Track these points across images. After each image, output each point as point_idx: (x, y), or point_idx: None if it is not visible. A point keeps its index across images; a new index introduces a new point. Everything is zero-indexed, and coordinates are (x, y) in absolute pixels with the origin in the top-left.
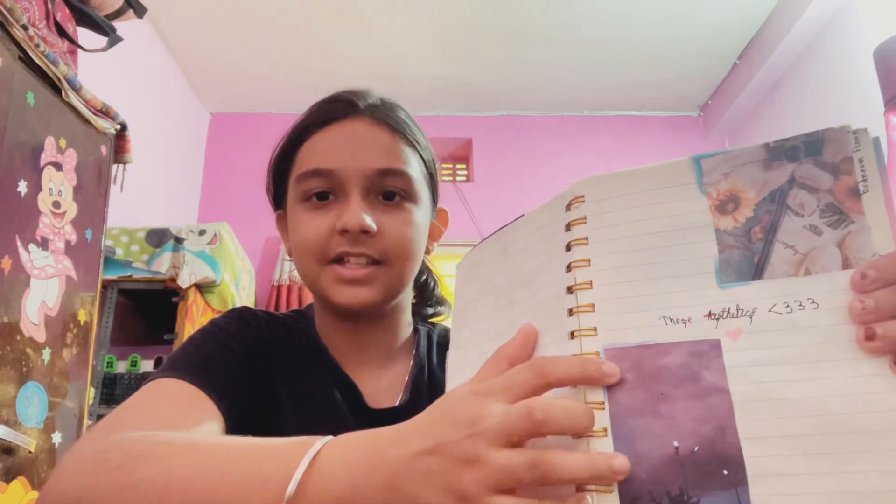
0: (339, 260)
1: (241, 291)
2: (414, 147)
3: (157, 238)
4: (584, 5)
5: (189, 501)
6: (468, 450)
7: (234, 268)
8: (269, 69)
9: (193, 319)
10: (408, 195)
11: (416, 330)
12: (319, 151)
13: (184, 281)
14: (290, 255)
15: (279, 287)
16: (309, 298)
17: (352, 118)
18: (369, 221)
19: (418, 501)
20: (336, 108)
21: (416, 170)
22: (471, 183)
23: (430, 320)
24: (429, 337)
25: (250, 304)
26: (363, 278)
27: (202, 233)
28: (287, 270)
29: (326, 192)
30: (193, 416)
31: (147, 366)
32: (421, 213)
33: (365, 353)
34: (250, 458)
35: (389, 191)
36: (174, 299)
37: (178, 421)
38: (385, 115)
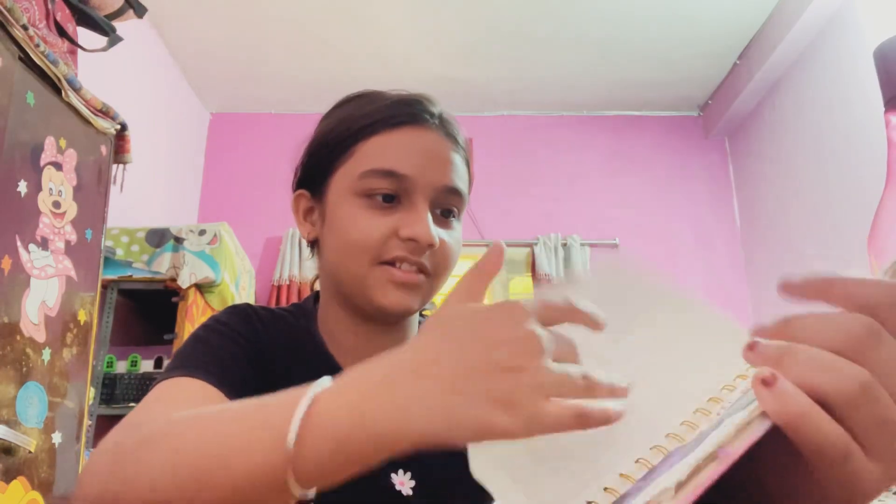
0: (390, 263)
1: (241, 291)
2: (466, 166)
3: (157, 238)
4: (584, 5)
5: (198, 471)
6: (510, 361)
7: (234, 268)
8: (269, 69)
9: (193, 319)
10: (458, 214)
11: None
12: (393, 152)
13: (184, 281)
14: (309, 241)
15: (279, 287)
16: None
17: (426, 127)
18: (437, 237)
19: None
20: (412, 112)
21: (466, 188)
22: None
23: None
24: None
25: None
26: (414, 283)
27: (202, 233)
28: (287, 270)
29: (392, 196)
30: None
31: (147, 366)
32: (460, 230)
33: (373, 355)
34: (254, 415)
35: (449, 209)
36: (174, 299)
37: None
38: (453, 131)
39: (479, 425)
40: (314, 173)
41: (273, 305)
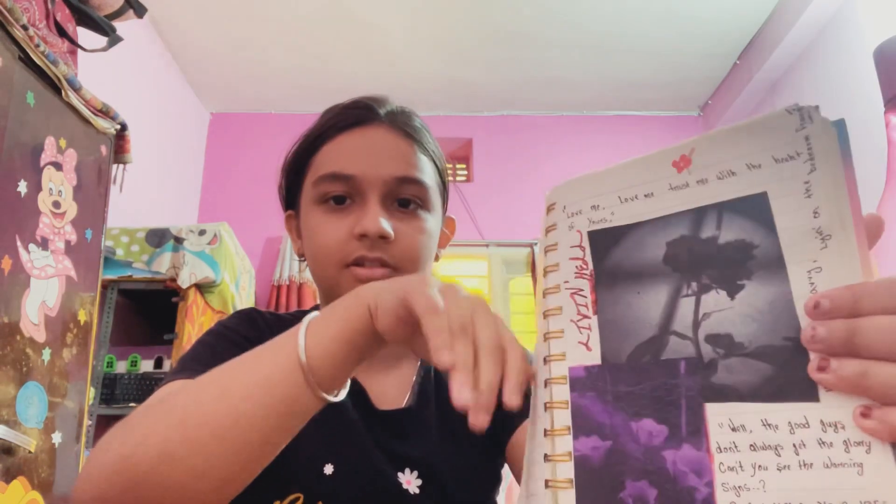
0: (357, 263)
1: (241, 291)
2: (430, 156)
3: (157, 238)
4: (584, 5)
5: (228, 392)
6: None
7: (234, 268)
8: (269, 69)
9: (193, 319)
10: (422, 203)
11: None
12: (339, 156)
13: (184, 281)
14: (300, 256)
15: (279, 287)
16: (308, 298)
17: (372, 125)
18: (387, 227)
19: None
20: (357, 114)
21: (430, 178)
22: (471, 183)
23: None
24: None
25: (250, 304)
26: (378, 279)
27: (202, 233)
28: (287, 270)
29: (344, 197)
30: None
31: (147, 366)
32: (433, 221)
33: (372, 357)
34: (261, 351)
35: (406, 198)
36: (174, 299)
37: None
38: (404, 124)
39: (413, 289)
40: (289, 193)
41: (273, 305)
